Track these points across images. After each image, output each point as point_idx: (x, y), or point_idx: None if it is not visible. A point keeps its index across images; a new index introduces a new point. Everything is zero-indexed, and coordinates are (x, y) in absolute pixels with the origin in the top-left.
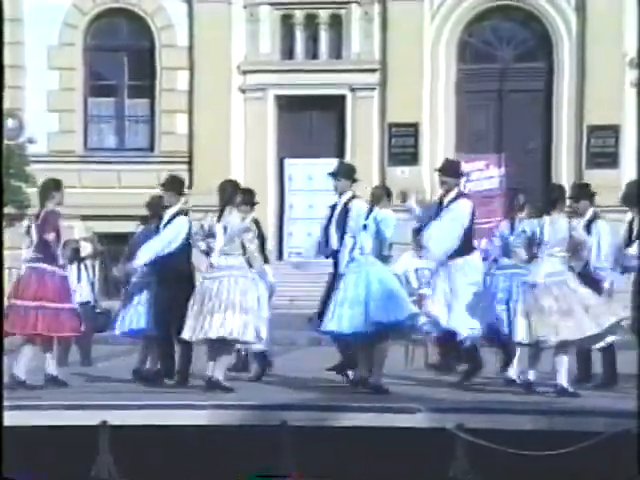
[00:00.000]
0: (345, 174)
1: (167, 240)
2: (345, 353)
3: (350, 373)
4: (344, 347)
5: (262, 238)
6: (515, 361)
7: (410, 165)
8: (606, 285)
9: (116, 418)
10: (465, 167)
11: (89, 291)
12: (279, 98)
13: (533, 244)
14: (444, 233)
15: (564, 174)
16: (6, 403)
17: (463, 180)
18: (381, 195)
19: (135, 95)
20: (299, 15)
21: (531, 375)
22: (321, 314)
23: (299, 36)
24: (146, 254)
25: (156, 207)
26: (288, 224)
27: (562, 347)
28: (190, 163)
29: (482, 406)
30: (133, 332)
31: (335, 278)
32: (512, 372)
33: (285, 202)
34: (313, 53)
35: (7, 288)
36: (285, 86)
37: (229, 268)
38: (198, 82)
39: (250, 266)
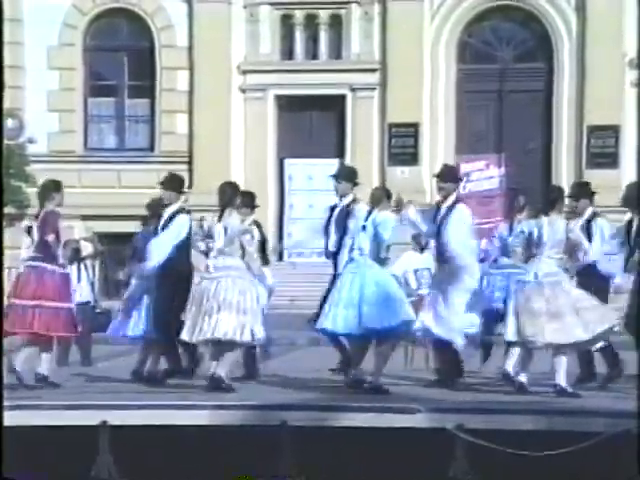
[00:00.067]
0: (346, 177)
1: (173, 238)
2: (343, 352)
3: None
4: (341, 347)
5: (263, 240)
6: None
7: (410, 165)
8: (618, 280)
9: (116, 418)
10: (465, 167)
11: (89, 291)
12: (279, 98)
13: (531, 244)
14: (463, 237)
15: (564, 174)
16: (6, 403)
17: (461, 185)
18: (381, 197)
19: (135, 95)
20: (299, 15)
21: (523, 377)
22: (319, 313)
23: (299, 36)
24: (158, 254)
25: (156, 208)
26: (288, 224)
27: (554, 349)
28: (190, 163)
29: (482, 406)
30: (134, 337)
31: (334, 278)
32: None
33: (285, 202)
34: (313, 53)
35: (7, 288)
36: (285, 86)
37: (227, 269)
38: (198, 82)
39: (249, 268)
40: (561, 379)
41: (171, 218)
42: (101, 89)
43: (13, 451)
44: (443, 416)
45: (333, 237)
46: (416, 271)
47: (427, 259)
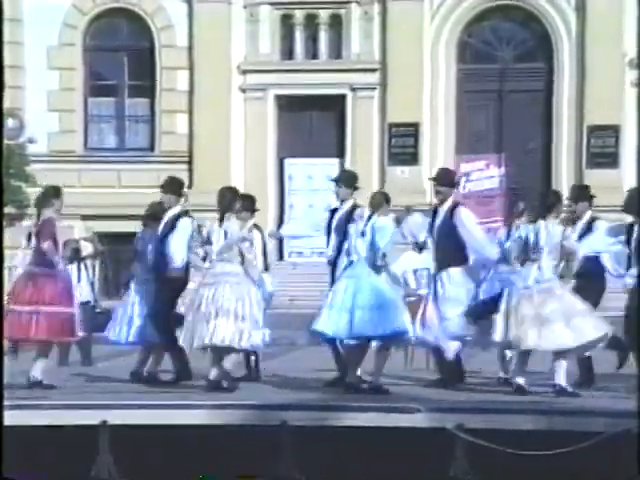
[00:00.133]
0: (346, 182)
1: (186, 240)
2: (338, 357)
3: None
4: (337, 352)
5: (263, 245)
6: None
7: (410, 165)
8: (629, 281)
9: (116, 418)
10: (465, 167)
11: (89, 291)
12: (279, 98)
13: (527, 248)
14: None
15: (564, 174)
16: (6, 403)
17: (461, 185)
18: (380, 201)
19: (135, 95)
20: (299, 15)
21: (520, 380)
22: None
23: (299, 36)
24: (181, 256)
25: (156, 211)
26: (288, 224)
27: (554, 354)
28: (190, 163)
29: (482, 406)
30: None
31: (333, 281)
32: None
33: (285, 202)
34: (313, 53)
35: (7, 287)
36: (285, 86)
37: (226, 275)
38: (198, 82)
39: (248, 274)
40: (561, 379)
41: (174, 221)
42: (101, 89)
43: (13, 451)
44: (443, 416)
45: (333, 241)
46: (415, 271)
47: (426, 259)
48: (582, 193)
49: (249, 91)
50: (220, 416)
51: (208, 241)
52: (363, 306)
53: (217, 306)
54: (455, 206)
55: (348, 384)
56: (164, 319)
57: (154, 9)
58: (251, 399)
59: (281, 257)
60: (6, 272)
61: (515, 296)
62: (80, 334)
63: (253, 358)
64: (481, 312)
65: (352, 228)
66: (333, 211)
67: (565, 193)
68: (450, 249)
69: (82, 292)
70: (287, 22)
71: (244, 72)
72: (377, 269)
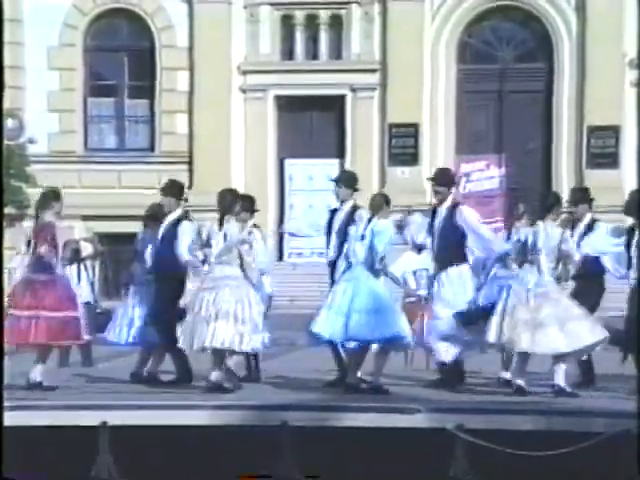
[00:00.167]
0: (346, 182)
1: (185, 245)
2: (338, 359)
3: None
4: (337, 353)
5: (264, 244)
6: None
7: (410, 165)
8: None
9: (116, 418)
10: (465, 167)
11: (89, 291)
12: (279, 98)
13: (526, 250)
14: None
15: (564, 174)
16: (6, 403)
17: (461, 186)
18: (380, 204)
19: (135, 95)
20: (299, 15)
21: (521, 382)
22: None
23: (299, 36)
24: (180, 259)
25: (155, 214)
26: (288, 224)
27: (553, 357)
28: (190, 163)
29: (482, 407)
30: (134, 343)
31: (332, 282)
32: (507, 374)
33: (285, 202)
34: (313, 53)
35: (7, 288)
36: (285, 86)
37: (226, 278)
38: (198, 82)
39: (247, 277)
40: (560, 379)
41: (175, 225)
42: (101, 89)
43: (13, 451)
44: (443, 416)
45: (333, 241)
46: (415, 272)
47: (425, 260)
48: (582, 195)
49: (249, 91)
50: (220, 416)
51: (207, 243)
52: (360, 310)
53: (217, 309)
54: (455, 205)
55: (348, 385)
56: (164, 320)
57: (154, 9)
58: (251, 399)
59: (281, 257)
60: (6, 272)
61: (511, 299)
62: (86, 337)
63: (253, 359)
64: (478, 316)
65: (352, 230)
66: (333, 211)
67: (565, 194)
68: (450, 249)
69: (82, 293)
70: (287, 22)
71: (244, 72)
72: (376, 272)
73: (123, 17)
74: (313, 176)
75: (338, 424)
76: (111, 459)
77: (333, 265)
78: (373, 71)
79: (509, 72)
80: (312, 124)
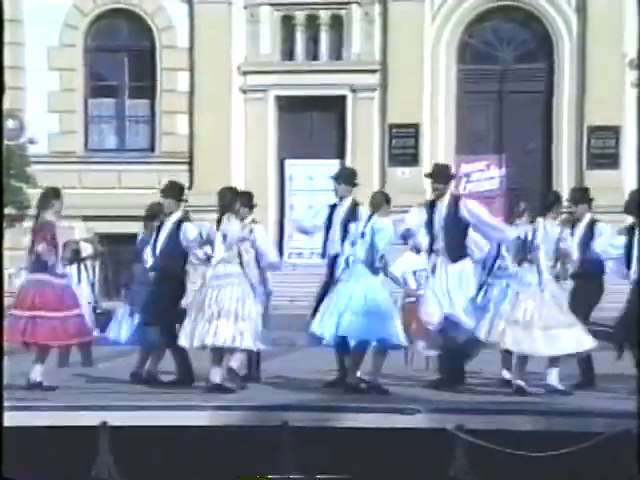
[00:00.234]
0: (346, 179)
1: (186, 246)
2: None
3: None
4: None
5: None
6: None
7: (410, 166)
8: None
9: (116, 418)
10: (466, 168)
11: (89, 292)
12: (279, 99)
13: (525, 248)
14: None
15: (564, 175)
16: (6, 403)
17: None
18: (381, 201)
19: (136, 96)
20: (300, 16)
21: (521, 382)
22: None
23: (299, 37)
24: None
25: (155, 213)
26: (288, 224)
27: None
28: (191, 164)
29: (482, 407)
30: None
31: (331, 280)
32: (507, 373)
33: (285, 202)
34: (313, 54)
35: (6, 288)
36: (286, 87)
37: (228, 276)
38: (199, 83)
39: (246, 275)
40: (552, 379)
41: (177, 226)
42: (101, 90)
43: (13, 451)
44: (443, 416)
45: (336, 237)
46: (415, 272)
47: (425, 260)
48: (582, 195)
49: (249, 92)
50: (220, 417)
51: (207, 242)
52: (354, 311)
53: (219, 307)
54: (457, 199)
55: (348, 385)
56: (165, 320)
57: (154, 10)
58: (251, 400)
59: (280, 258)
60: (6, 273)
61: (505, 297)
62: (94, 333)
63: (255, 358)
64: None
65: (353, 227)
66: (332, 207)
67: (565, 194)
68: (453, 243)
69: (82, 293)
70: (288, 23)
71: (245, 73)
72: (375, 271)
73: (123, 17)
74: (313, 176)
75: (338, 424)
76: (111, 459)
77: (332, 262)
78: (373, 71)
79: (509, 72)
80: (312, 124)
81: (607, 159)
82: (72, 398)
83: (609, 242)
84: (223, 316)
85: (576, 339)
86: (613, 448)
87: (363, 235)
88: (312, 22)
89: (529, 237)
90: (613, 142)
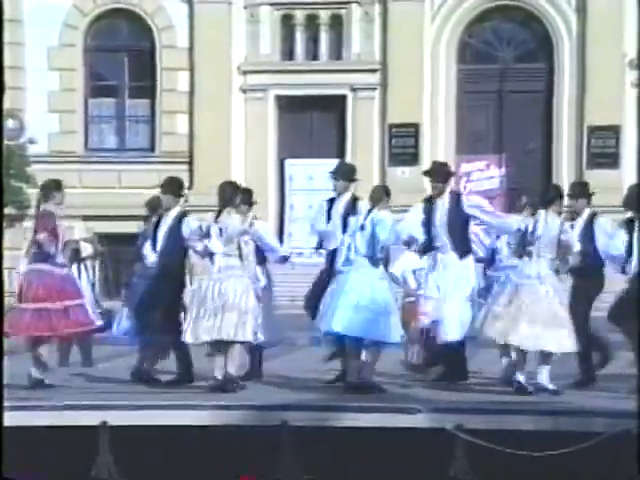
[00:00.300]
0: (344, 175)
1: (184, 242)
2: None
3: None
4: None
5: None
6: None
7: (410, 165)
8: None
9: (116, 418)
10: (466, 167)
11: (89, 291)
12: (279, 98)
13: (525, 240)
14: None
15: (564, 174)
16: (6, 403)
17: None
18: (381, 195)
19: (136, 95)
20: (299, 16)
21: (520, 377)
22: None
23: (299, 37)
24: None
25: (155, 208)
26: (288, 224)
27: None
28: (191, 163)
29: (481, 407)
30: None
31: (330, 274)
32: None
33: (285, 202)
34: (313, 54)
35: (6, 288)
36: (285, 86)
37: (230, 269)
38: (198, 83)
39: (245, 268)
40: (543, 378)
41: (178, 221)
42: (101, 90)
43: (13, 451)
44: (443, 416)
45: (338, 233)
46: (414, 271)
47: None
48: (581, 190)
49: (249, 92)
50: (220, 416)
51: (207, 235)
52: (349, 306)
53: (224, 300)
54: (458, 195)
55: (348, 384)
56: (165, 315)
57: (154, 9)
58: (251, 399)
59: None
60: (6, 272)
61: (504, 289)
62: (98, 323)
63: (257, 355)
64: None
65: (353, 220)
66: (331, 201)
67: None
68: (455, 238)
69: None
70: (287, 23)
71: (244, 73)
72: (376, 262)
73: (123, 17)
74: (313, 176)
75: (338, 424)
76: (111, 459)
77: (332, 257)
78: (373, 71)
79: (509, 72)
80: (312, 124)
81: (607, 159)
82: (72, 398)
83: (610, 242)
84: (228, 310)
85: (559, 340)
86: (613, 448)
87: (363, 227)
88: (312, 22)
89: (529, 229)
90: (613, 142)
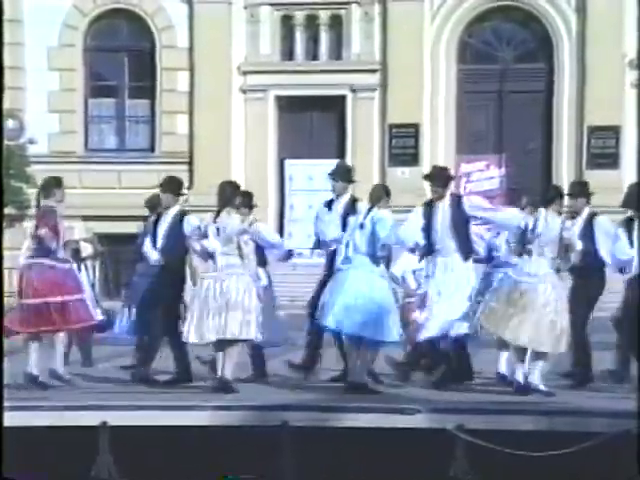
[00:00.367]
0: (342, 176)
1: (184, 241)
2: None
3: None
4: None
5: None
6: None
7: (410, 166)
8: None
9: (116, 418)
10: (466, 167)
11: (90, 292)
12: (279, 99)
13: (525, 238)
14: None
15: (564, 175)
16: (6, 403)
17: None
18: (380, 194)
19: (135, 96)
20: (299, 16)
21: (519, 376)
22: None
23: (299, 37)
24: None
25: (155, 206)
26: (288, 225)
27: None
28: (191, 163)
29: (482, 407)
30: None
31: (330, 273)
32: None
33: (285, 203)
34: (313, 54)
35: (6, 288)
36: (285, 87)
37: (230, 267)
38: (198, 83)
39: (245, 267)
40: (535, 378)
41: (178, 220)
42: (101, 90)
43: (13, 451)
44: (443, 416)
45: (340, 232)
46: (414, 271)
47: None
48: (581, 189)
49: (249, 92)
50: (220, 417)
51: (204, 235)
52: (348, 304)
53: (227, 298)
54: (459, 197)
55: (349, 383)
56: (166, 314)
57: (154, 10)
58: (251, 400)
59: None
60: (6, 272)
61: (503, 287)
62: (100, 317)
63: (258, 357)
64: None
65: (352, 219)
66: (329, 203)
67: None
68: (457, 240)
69: None
70: (287, 23)
71: (244, 73)
72: (376, 260)
73: (123, 17)
74: (313, 176)
75: (338, 424)
76: (111, 459)
77: (331, 256)
78: (373, 71)
79: (509, 72)
80: (312, 124)
81: (607, 159)
82: (72, 398)
83: (616, 246)
84: (232, 309)
85: (553, 340)
86: (613, 448)
87: (362, 226)
88: (312, 22)
89: (530, 227)
90: (613, 142)
